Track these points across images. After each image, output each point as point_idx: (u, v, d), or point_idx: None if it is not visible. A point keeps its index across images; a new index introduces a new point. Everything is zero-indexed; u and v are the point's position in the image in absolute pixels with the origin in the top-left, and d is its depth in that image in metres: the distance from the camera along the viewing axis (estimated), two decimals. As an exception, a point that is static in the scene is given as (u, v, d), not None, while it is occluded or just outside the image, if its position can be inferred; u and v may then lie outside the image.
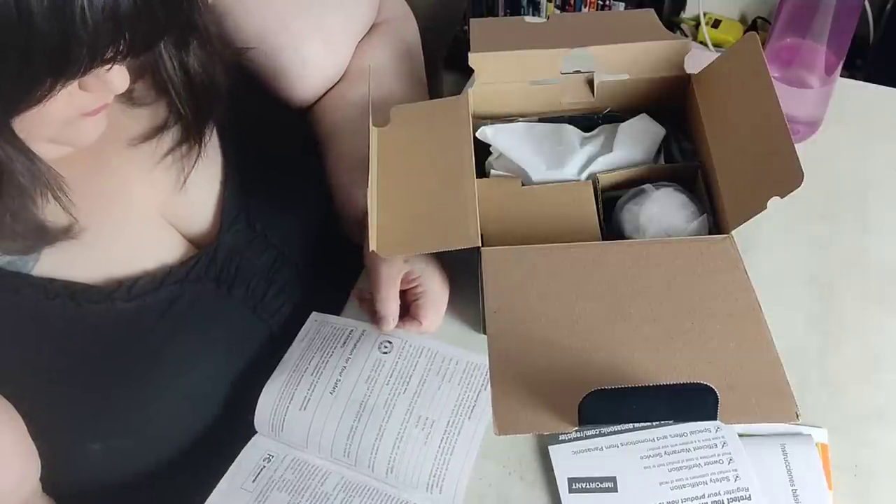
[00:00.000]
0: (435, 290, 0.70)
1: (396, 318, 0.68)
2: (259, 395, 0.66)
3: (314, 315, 0.72)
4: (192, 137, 0.66)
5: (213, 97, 0.65)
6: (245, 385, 0.68)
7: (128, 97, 0.64)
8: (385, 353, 0.68)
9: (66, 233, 0.59)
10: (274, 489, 0.62)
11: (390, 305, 0.68)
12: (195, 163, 0.67)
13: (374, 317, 0.69)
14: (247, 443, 0.66)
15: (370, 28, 0.84)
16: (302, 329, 0.71)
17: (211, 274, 0.68)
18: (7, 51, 0.44)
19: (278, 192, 0.74)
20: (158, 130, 0.65)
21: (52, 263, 0.61)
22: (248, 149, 0.71)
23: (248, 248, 0.71)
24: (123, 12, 0.46)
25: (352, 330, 0.70)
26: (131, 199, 0.66)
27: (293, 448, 0.65)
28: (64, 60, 0.46)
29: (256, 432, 0.66)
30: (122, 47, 0.48)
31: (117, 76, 0.52)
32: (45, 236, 0.58)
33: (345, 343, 0.69)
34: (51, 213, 0.57)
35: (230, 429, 0.66)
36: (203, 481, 0.63)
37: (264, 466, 0.64)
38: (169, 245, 0.68)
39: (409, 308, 0.70)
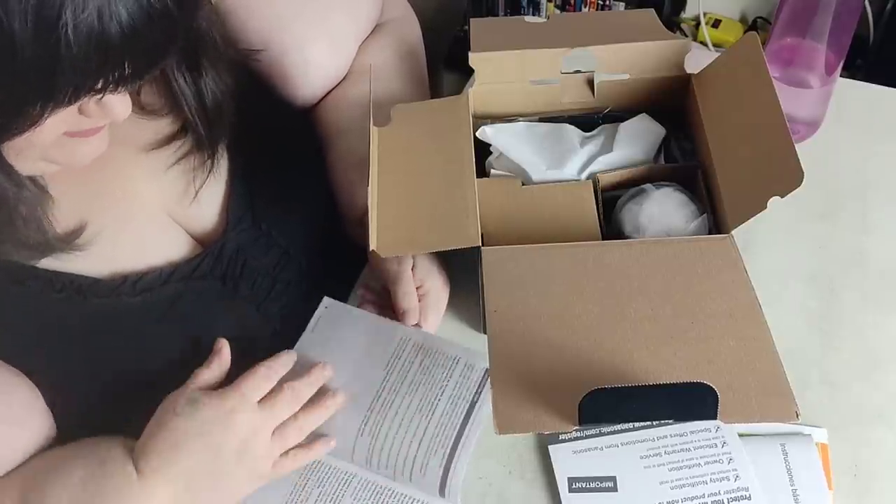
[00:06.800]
0: (437, 291, 0.70)
1: (418, 310, 0.69)
2: None
3: (326, 300, 0.72)
4: (205, 152, 0.67)
5: (226, 114, 0.65)
6: None
7: (140, 108, 0.64)
8: (389, 349, 0.68)
9: (70, 242, 0.60)
10: (272, 482, 0.62)
11: (412, 299, 0.69)
12: (207, 177, 0.68)
13: (383, 311, 0.70)
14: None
15: (374, 28, 0.84)
16: (314, 316, 0.71)
17: (216, 272, 0.69)
18: None
19: (284, 192, 0.74)
20: (171, 139, 0.66)
21: (59, 257, 0.61)
22: (254, 148, 0.71)
23: (253, 247, 0.71)
24: (112, 40, 0.45)
25: (361, 326, 0.70)
26: (137, 197, 0.66)
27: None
28: (50, 87, 0.45)
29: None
30: (113, 76, 0.47)
31: (118, 103, 0.52)
32: (50, 247, 0.59)
33: (353, 339, 0.69)
34: (57, 224, 0.58)
35: None
36: None
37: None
38: (175, 243, 0.68)
39: None
